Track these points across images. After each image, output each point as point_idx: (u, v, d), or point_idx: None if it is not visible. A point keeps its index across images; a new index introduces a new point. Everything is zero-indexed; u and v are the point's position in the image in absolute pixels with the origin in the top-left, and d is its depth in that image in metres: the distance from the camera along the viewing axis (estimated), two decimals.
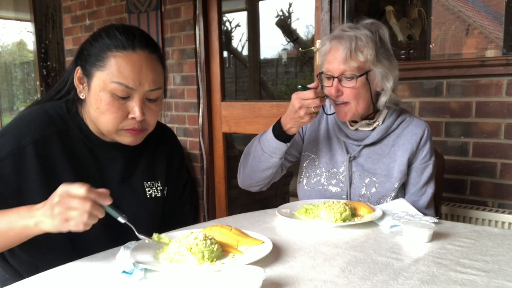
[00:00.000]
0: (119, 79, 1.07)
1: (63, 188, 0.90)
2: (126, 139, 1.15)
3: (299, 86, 1.37)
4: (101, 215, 0.93)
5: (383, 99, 1.44)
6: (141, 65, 1.09)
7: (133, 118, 1.11)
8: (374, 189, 1.45)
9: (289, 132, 1.42)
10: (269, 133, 1.45)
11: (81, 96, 1.14)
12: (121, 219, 0.97)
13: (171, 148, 1.34)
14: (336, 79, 1.40)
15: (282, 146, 1.43)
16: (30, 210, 0.95)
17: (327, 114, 1.56)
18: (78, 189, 0.89)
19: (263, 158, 1.47)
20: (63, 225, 0.91)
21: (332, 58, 1.40)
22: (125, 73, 1.07)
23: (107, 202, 0.93)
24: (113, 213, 0.96)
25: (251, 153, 1.51)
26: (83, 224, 0.91)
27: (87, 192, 0.89)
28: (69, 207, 0.89)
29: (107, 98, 1.08)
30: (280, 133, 1.43)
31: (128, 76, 1.07)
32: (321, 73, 1.47)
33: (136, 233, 0.99)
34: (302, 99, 1.34)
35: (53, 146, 1.11)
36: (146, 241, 1.01)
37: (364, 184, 1.46)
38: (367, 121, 1.48)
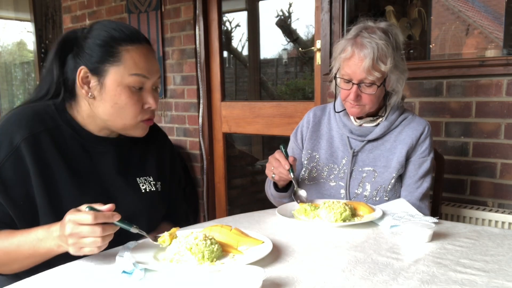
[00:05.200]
0: (137, 70, 1.11)
1: (70, 217, 0.91)
2: (139, 132, 1.19)
3: (281, 147, 1.43)
4: (113, 231, 0.94)
5: (394, 99, 1.50)
6: (148, 55, 1.14)
7: (148, 107, 1.15)
8: (373, 179, 1.48)
9: (279, 185, 1.51)
10: (271, 188, 1.55)
11: (89, 96, 1.13)
12: (134, 230, 0.98)
13: (161, 143, 1.36)
14: (355, 85, 1.42)
15: (284, 195, 1.52)
16: (49, 232, 0.97)
17: (336, 112, 1.58)
18: (85, 216, 0.90)
19: (278, 200, 1.57)
20: (80, 252, 0.93)
21: (354, 65, 1.41)
22: (140, 65, 1.12)
23: (116, 219, 0.94)
24: (124, 226, 0.97)
25: (268, 193, 1.63)
26: (98, 248, 0.93)
27: (94, 219, 0.90)
28: (81, 236, 0.91)
29: (126, 92, 1.11)
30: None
31: (143, 67, 1.12)
32: (336, 74, 1.49)
33: (149, 238, 1.02)
34: (269, 162, 1.43)
35: (44, 143, 1.10)
36: (155, 242, 1.02)
37: (363, 176, 1.49)
38: (371, 118, 1.53)
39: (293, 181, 1.41)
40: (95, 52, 1.10)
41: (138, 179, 1.25)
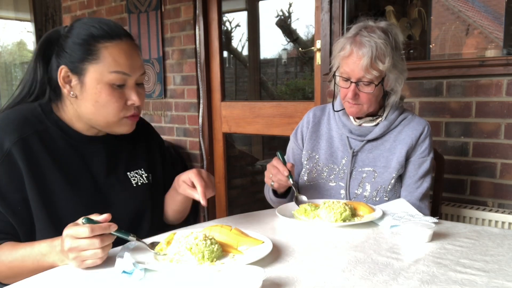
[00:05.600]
0: (117, 68, 1.09)
1: (67, 232, 0.92)
2: (125, 128, 1.17)
3: (278, 153, 1.42)
4: (111, 240, 0.95)
5: (393, 99, 1.50)
6: (130, 51, 1.12)
7: (132, 104, 1.13)
8: (372, 179, 1.48)
9: (278, 192, 1.51)
10: (270, 193, 1.55)
11: (70, 95, 1.12)
12: (131, 239, 0.99)
13: (148, 136, 1.36)
14: (354, 84, 1.42)
15: (283, 200, 1.52)
16: (52, 247, 0.97)
17: (335, 111, 1.59)
18: (82, 230, 0.90)
19: (278, 206, 1.55)
20: (82, 265, 0.93)
21: (352, 63, 1.41)
22: (121, 62, 1.10)
23: (113, 229, 0.94)
24: (121, 236, 0.97)
25: (267, 198, 1.63)
26: (100, 259, 0.93)
27: (91, 232, 0.90)
28: (80, 249, 0.91)
29: (106, 90, 1.10)
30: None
31: (124, 64, 1.10)
32: (335, 73, 1.50)
33: (149, 248, 1.01)
34: (268, 170, 1.41)
35: (34, 146, 1.09)
36: (153, 251, 1.01)
37: (363, 176, 1.49)
38: (370, 118, 1.53)
39: (293, 187, 1.40)
40: (75, 51, 1.09)
41: (128, 173, 1.25)
